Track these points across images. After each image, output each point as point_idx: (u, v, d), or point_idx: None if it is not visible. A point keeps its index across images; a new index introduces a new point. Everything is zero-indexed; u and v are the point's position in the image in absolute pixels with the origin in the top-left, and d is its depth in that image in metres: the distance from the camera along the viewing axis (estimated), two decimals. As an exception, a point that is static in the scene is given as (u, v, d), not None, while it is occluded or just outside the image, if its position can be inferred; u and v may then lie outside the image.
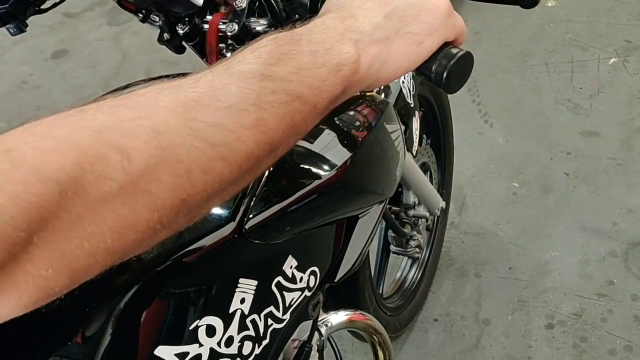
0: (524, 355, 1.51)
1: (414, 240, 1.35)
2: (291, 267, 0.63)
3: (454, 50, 0.48)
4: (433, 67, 0.47)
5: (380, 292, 1.43)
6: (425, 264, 1.59)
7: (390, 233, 1.40)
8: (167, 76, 0.72)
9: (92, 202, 0.31)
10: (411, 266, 1.57)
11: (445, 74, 0.47)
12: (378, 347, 0.94)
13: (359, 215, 0.74)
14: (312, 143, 0.64)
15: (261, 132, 0.39)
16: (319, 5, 0.53)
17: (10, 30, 0.76)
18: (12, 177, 0.29)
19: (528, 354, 1.51)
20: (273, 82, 0.40)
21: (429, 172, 1.48)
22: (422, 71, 0.48)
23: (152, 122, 0.34)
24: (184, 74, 0.68)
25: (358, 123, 0.69)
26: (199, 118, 0.36)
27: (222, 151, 0.37)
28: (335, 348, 0.90)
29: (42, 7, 0.78)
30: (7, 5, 0.73)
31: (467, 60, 0.48)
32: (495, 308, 1.60)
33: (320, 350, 0.80)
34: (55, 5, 0.81)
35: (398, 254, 1.38)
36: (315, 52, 0.42)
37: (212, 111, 0.37)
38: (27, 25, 0.77)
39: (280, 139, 0.40)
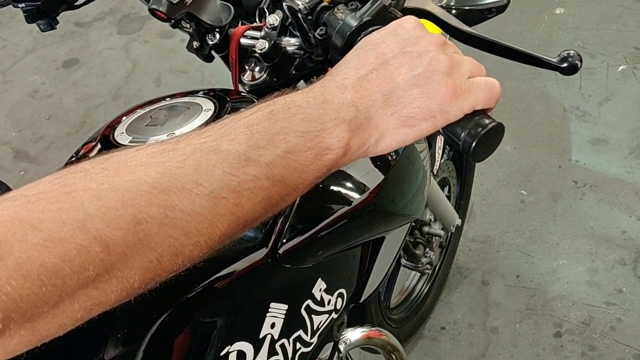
0: (532, 364, 1.51)
1: (426, 257, 1.33)
2: (320, 290, 0.63)
3: (485, 121, 0.46)
4: (462, 135, 0.45)
5: (388, 303, 1.41)
6: (435, 277, 1.57)
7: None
8: (173, 95, 0.73)
9: (68, 290, 0.34)
10: (420, 278, 1.55)
11: (473, 144, 0.45)
12: (395, 365, 0.94)
13: (386, 236, 0.73)
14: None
15: (236, 217, 0.40)
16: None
17: (41, 26, 0.76)
18: None
19: (536, 362, 1.51)
20: (257, 167, 0.40)
21: (447, 187, 1.46)
22: (449, 136, 0.46)
23: (134, 210, 0.36)
24: (190, 92, 0.67)
25: None
26: (178, 206, 0.37)
27: (194, 237, 0.38)
28: (352, 364, 0.90)
29: (75, 4, 0.79)
30: (39, 3, 0.74)
31: (497, 132, 0.46)
32: (503, 316, 1.60)
33: (339, 368, 0.81)
34: (87, 2, 0.81)
35: (408, 267, 1.36)
36: (307, 132, 0.42)
37: (192, 197, 0.37)
38: (57, 22, 0.77)
39: (255, 218, 0.41)
